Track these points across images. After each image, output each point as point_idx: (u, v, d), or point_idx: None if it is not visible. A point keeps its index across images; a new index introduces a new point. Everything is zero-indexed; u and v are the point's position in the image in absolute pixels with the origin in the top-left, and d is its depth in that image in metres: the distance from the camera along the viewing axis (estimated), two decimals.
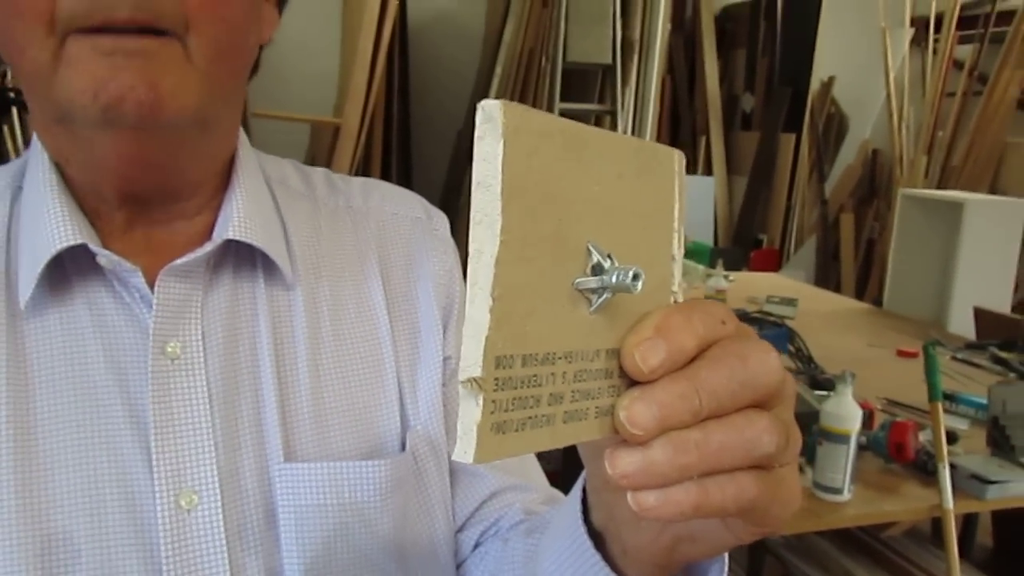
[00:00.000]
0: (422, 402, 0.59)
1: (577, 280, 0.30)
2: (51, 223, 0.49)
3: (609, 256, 0.30)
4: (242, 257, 0.55)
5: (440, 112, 4.35)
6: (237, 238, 0.53)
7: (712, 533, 0.37)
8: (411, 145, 4.20)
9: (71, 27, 0.45)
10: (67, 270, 0.51)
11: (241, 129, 0.59)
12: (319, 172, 0.65)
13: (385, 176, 3.82)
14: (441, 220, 0.67)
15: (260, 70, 0.60)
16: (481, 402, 0.27)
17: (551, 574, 0.44)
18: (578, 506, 0.43)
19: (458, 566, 0.62)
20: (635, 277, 0.30)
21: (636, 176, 0.32)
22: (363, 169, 3.66)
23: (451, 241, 0.66)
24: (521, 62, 3.87)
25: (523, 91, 3.90)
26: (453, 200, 4.20)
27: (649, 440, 0.30)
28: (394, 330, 0.59)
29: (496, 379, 0.27)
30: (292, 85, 4.12)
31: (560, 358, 0.30)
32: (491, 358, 0.27)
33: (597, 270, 0.30)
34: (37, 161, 0.53)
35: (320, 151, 3.98)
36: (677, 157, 0.35)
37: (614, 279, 0.30)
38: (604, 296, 0.30)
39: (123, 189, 0.51)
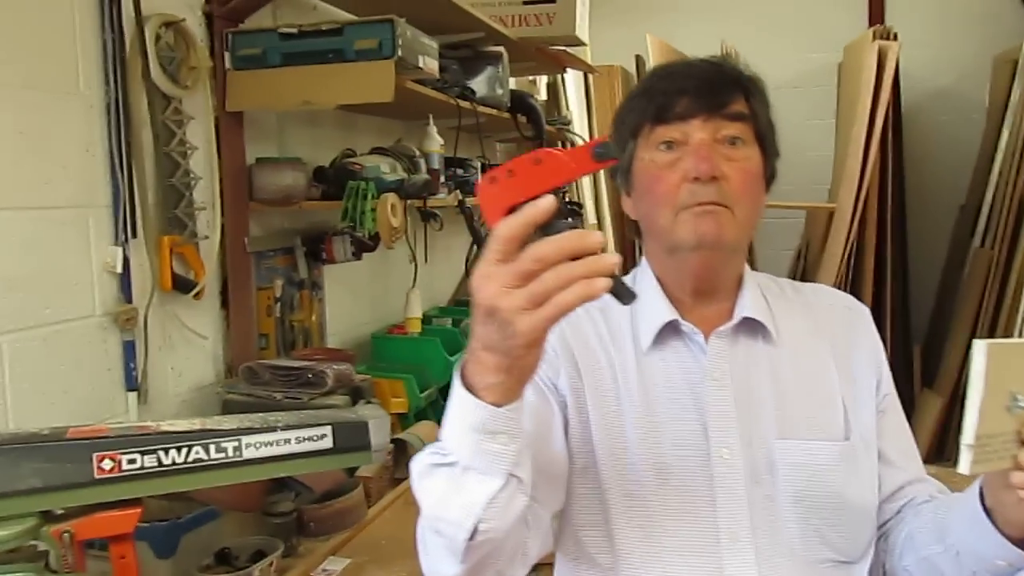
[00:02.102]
0: (862, 416, 0.97)
1: (1006, 404, 0.70)
2: (660, 308, 0.99)
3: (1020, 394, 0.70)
4: (749, 327, 0.99)
5: (938, 187, 4.35)
6: (750, 315, 0.98)
7: None
8: (906, 223, 4.26)
9: (682, 207, 0.94)
10: (664, 331, 0.99)
11: None
12: (784, 280, 1.09)
13: (879, 255, 3.96)
14: (864, 310, 1.07)
15: None
16: (970, 453, 0.69)
17: (958, 533, 0.81)
18: (978, 493, 0.79)
19: (882, 525, 0.97)
20: None
21: None
22: (856, 249, 3.84)
23: (872, 323, 1.05)
24: None
25: None
26: (954, 276, 4.13)
27: None
28: (839, 373, 0.99)
29: (977, 443, 0.69)
30: (789, 175, 4.49)
31: (999, 434, 0.70)
32: (974, 438, 0.69)
33: (1017, 400, 0.70)
34: (646, 273, 1.04)
35: (815, 235, 4.27)
36: None
37: (1021, 403, 0.70)
38: (1016, 410, 0.70)
39: (695, 287, 0.99)
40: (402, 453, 2.17)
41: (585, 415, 0.97)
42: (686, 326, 0.98)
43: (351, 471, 1.97)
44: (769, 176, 1.02)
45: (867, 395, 1.00)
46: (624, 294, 0.68)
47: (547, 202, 0.65)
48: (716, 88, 0.97)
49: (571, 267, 0.64)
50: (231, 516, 1.65)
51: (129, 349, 1.71)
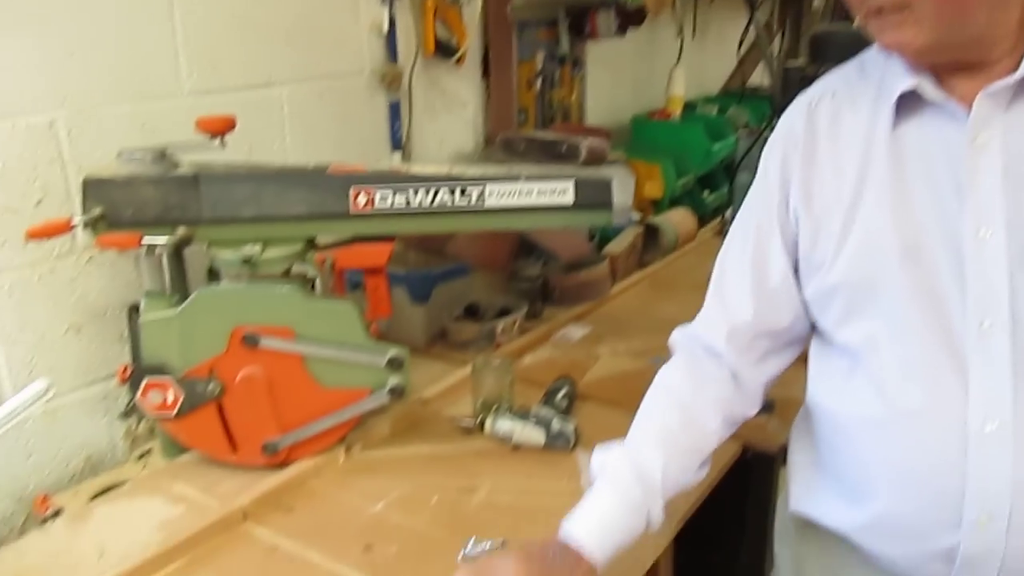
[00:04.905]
0: None
1: None
2: (900, 76, 0.81)
3: None
4: None
5: None
6: None
7: None
8: None
9: (866, 9, 0.77)
10: (916, 97, 0.81)
11: None
12: None
13: None
14: None
15: None
16: None
17: None
18: None
19: None
20: None
21: None
22: None
23: None
24: None
25: None
26: None
27: None
28: None
29: None
30: None
31: None
32: None
33: None
34: None
35: None
36: None
37: None
38: None
39: (929, 68, 0.81)
40: (652, 237, 2.13)
41: (815, 208, 0.87)
42: (930, 94, 0.80)
43: (600, 246, 1.98)
44: None
45: None
46: None
47: None
48: None
49: None
50: (480, 275, 1.73)
51: (394, 110, 1.77)
